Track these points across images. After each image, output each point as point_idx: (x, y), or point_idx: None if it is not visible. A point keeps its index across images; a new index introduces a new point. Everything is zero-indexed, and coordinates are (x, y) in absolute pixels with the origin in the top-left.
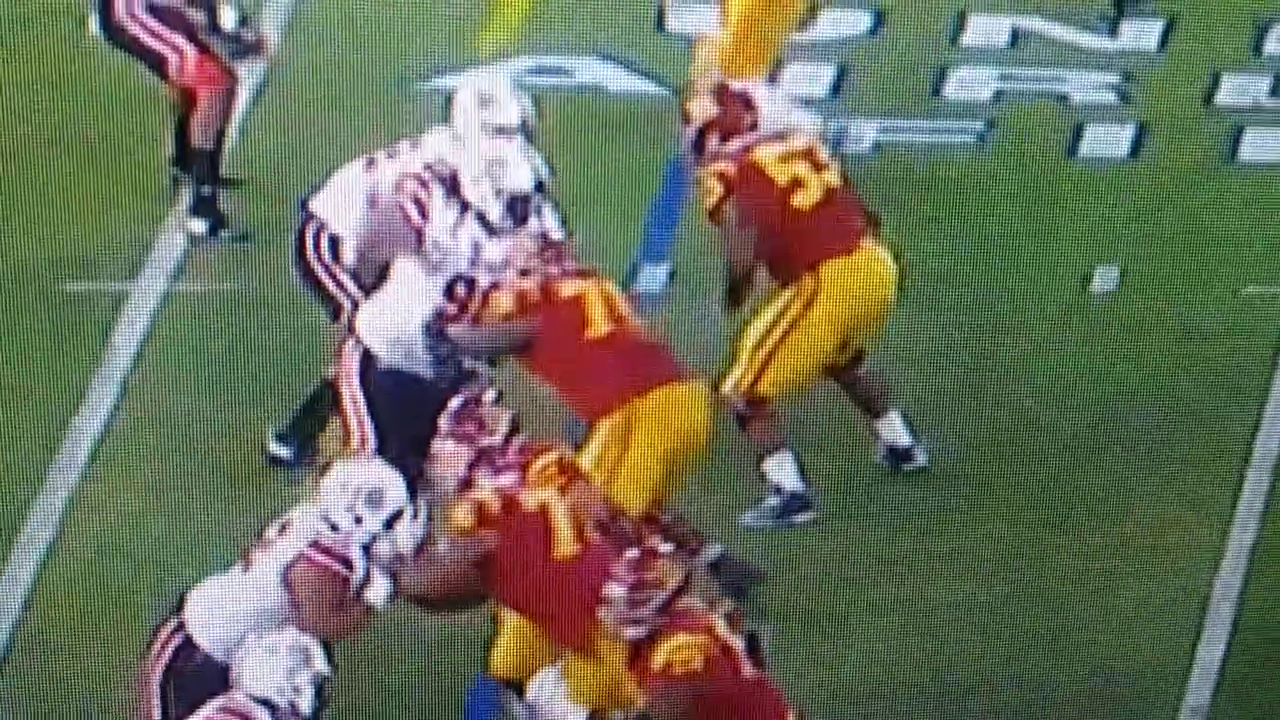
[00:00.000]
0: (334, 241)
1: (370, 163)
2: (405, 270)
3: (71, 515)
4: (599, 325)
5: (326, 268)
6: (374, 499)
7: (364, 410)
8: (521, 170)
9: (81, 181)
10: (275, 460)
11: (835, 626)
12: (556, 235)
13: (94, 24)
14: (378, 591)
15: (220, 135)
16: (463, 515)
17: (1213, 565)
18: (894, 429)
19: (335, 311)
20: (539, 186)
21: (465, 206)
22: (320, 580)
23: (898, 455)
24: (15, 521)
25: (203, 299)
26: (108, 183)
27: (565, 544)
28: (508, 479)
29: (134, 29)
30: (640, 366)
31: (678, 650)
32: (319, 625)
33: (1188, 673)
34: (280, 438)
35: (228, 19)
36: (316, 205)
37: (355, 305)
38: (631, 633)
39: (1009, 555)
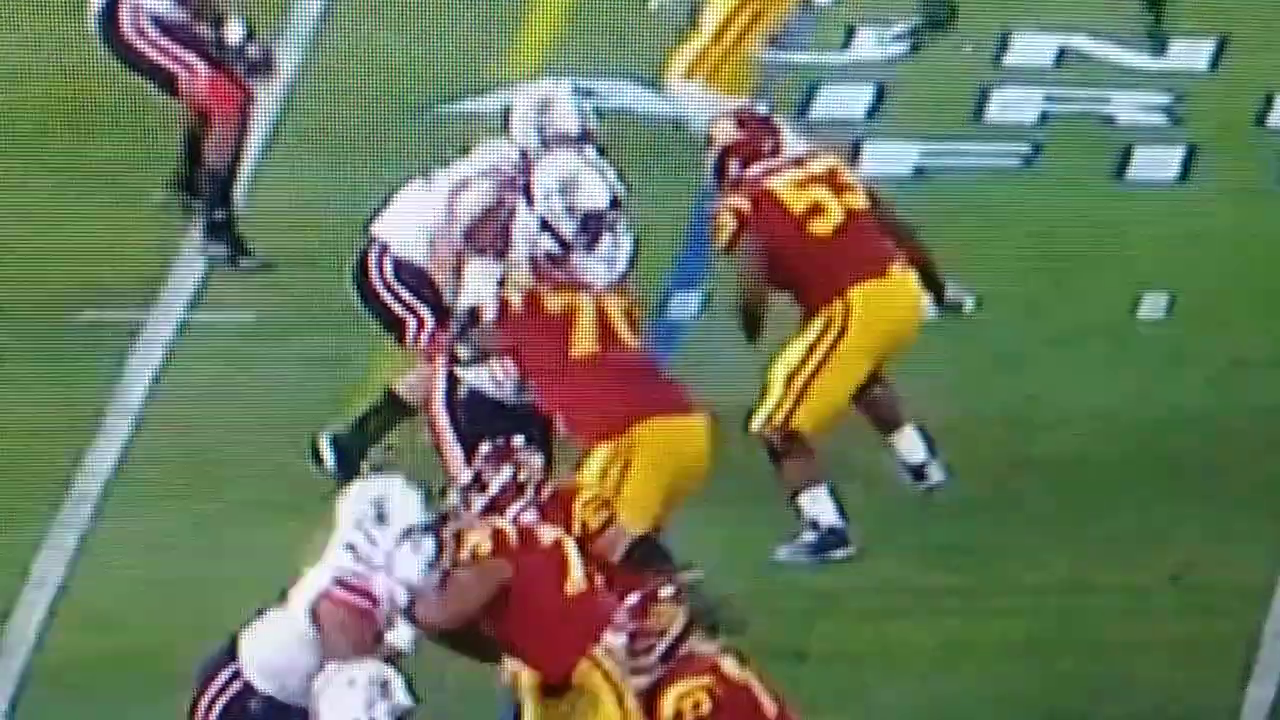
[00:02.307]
0: (397, 263)
1: (428, 181)
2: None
3: (86, 549)
4: (586, 343)
5: (391, 289)
6: (382, 511)
7: (450, 433)
8: (597, 187)
9: (96, 208)
10: (317, 459)
11: (874, 664)
12: (625, 253)
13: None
14: (402, 635)
15: (235, 157)
16: (481, 541)
17: (1263, 601)
18: (909, 444)
19: (401, 334)
20: (614, 203)
21: (544, 222)
22: (345, 617)
23: (912, 472)
24: (29, 554)
25: (220, 328)
26: (122, 210)
27: (576, 581)
28: (527, 515)
29: (141, 45)
30: (636, 393)
31: (685, 697)
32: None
33: (1237, 713)
34: (334, 441)
35: (234, 33)
36: (378, 228)
37: (421, 324)
38: (636, 681)
39: (1052, 590)
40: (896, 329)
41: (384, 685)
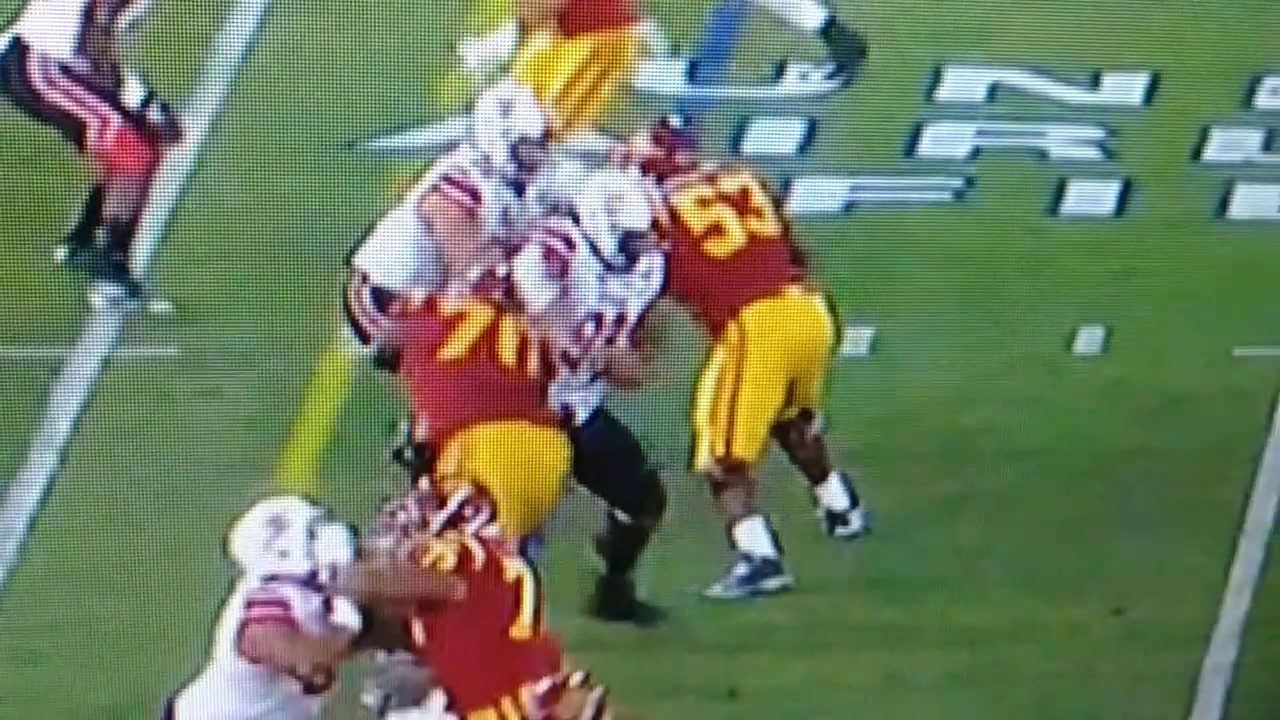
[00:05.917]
0: (375, 292)
1: (400, 203)
2: None
3: (10, 584)
4: (456, 348)
5: (371, 319)
6: (280, 523)
7: None
8: (639, 206)
9: (14, 244)
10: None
11: (808, 700)
12: (657, 279)
13: None
14: (344, 611)
15: (137, 211)
16: (446, 553)
17: (1204, 638)
18: (831, 492)
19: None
20: (654, 224)
21: (595, 247)
22: (270, 633)
23: (834, 518)
24: None
25: (144, 364)
26: (42, 245)
27: (524, 625)
28: (490, 531)
29: (53, 95)
30: (480, 399)
31: None
32: (299, 670)
33: None
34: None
35: (133, 95)
36: (359, 258)
37: None
38: None
39: (990, 625)
40: (797, 347)
41: None
